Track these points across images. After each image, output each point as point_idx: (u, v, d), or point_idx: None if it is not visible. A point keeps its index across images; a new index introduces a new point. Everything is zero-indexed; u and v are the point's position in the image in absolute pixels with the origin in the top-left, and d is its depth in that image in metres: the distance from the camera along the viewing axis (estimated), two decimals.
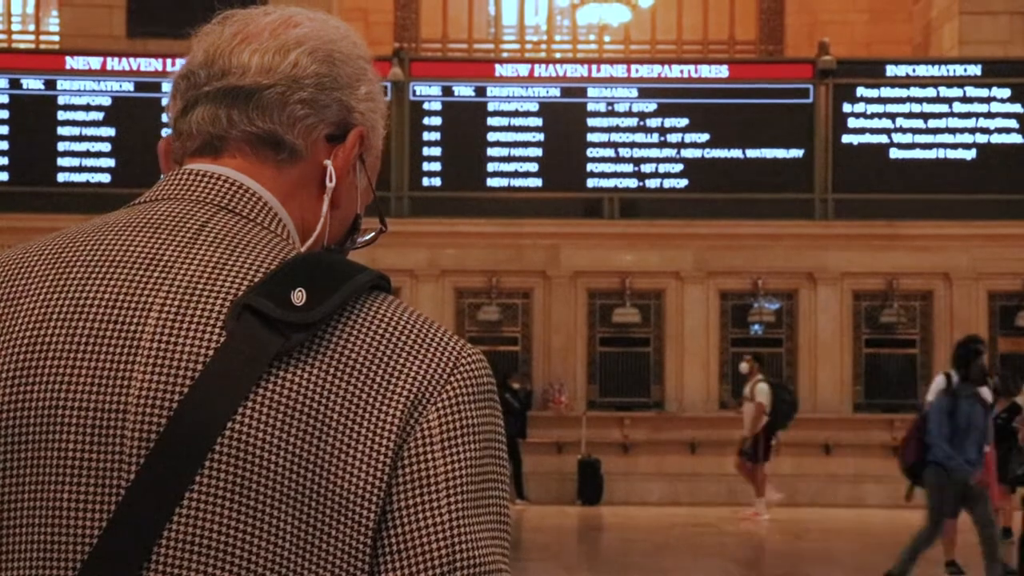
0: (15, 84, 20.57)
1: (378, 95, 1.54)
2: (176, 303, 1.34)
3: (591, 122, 20.74)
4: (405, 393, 1.32)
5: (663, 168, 20.70)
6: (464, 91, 20.82)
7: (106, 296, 1.35)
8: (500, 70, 21.27)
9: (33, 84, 20.58)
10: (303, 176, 1.48)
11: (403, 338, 1.35)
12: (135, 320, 1.33)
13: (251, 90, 1.46)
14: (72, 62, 20.58)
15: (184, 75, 1.50)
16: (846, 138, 20.63)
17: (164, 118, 1.55)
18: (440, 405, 1.33)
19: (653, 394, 20.79)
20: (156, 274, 1.36)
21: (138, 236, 1.39)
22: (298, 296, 1.31)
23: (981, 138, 20.58)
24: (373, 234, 1.60)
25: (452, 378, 1.34)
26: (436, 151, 20.68)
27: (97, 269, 1.37)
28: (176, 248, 1.38)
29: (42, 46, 24.21)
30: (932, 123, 20.62)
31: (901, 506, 19.23)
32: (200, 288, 1.34)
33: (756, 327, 20.88)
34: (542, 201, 20.65)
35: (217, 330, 1.32)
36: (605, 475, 19.64)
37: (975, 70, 20.72)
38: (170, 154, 1.52)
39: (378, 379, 1.32)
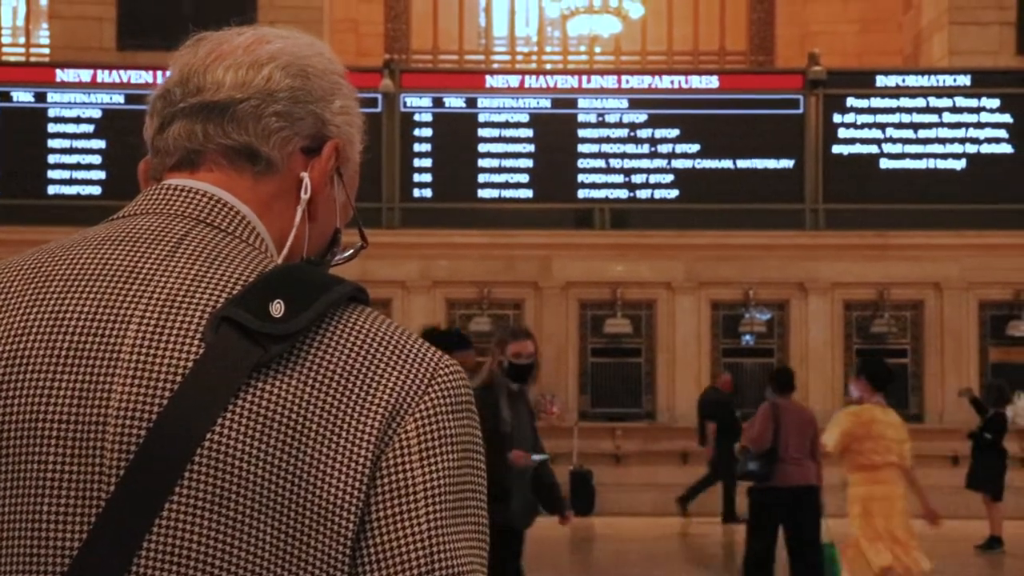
0: (5, 97, 20.55)
1: (353, 110, 1.56)
2: (155, 316, 1.35)
3: (582, 133, 20.76)
4: (383, 404, 1.33)
5: (654, 179, 20.72)
6: (455, 102, 20.84)
7: (85, 310, 1.36)
8: (491, 81, 21.29)
9: (23, 97, 20.57)
10: (280, 189, 1.49)
11: (381, 349, 1.36)
12: (114, 333, 1.34)
13: (226, 104, 1.48)
14: (62, 75, 20.58)
15: (160, 95, 1.52)
16: (836, 148, 20.66)
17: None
18: (418, 416, 1.34)
19: (645, 405, 20.79)
20: (135, 287, 1.37)
21: (116, 250, 1.40)
22: (276, 308, 1.32)
23: (971, 148, 20.62)
24: (352, 251, 1.61)
25: (430, 389, 1.35)
26: (427, 162, 20.68)
27: (76, 283, 1.38)
28: (155, 261, 1.39)
29: (32, 59, 24.19)
30: (922, 133, 20.66)
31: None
32: (179, 301, 1.35)
33: (747, 337, 20.90)
34: (533, 212, 20.65)
35: (196, 342, 1.33)
36: (597, 486, 19.62)
37: (965, 80, 20.77)
38: (148, 173, 1.54)
39: (356, 390, 1.33)
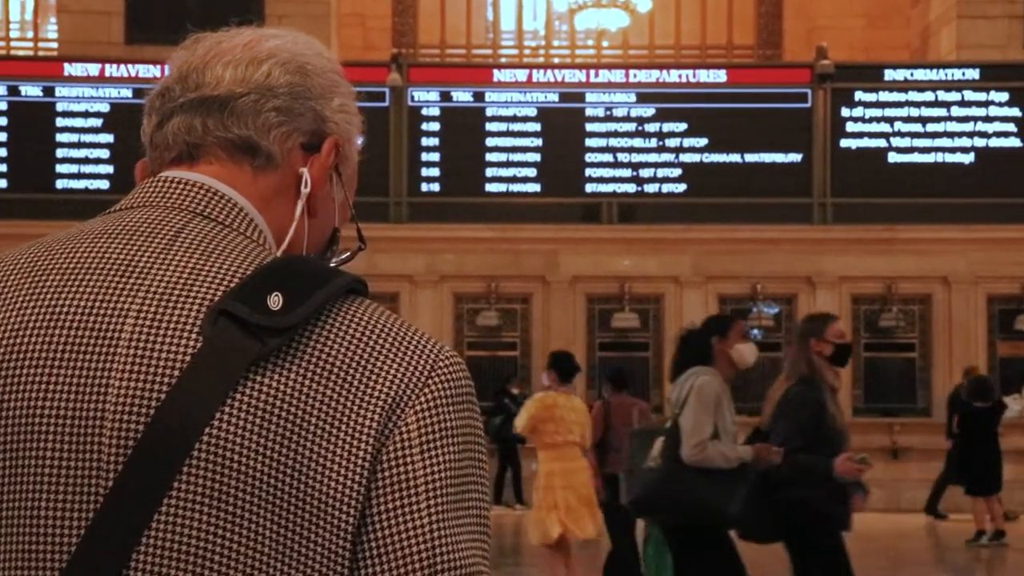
0: (14, 91, 20.57)
1: (352, 109, 1.56)
2: (152, 309, 1.34)
3: (589, 127, 20.74)
4: (383, 396, 1.32)
5: (661, 173, 20.70)
6: (462, 96, 20.83)
7: (82, 303, 1.35)
8: (498, 75, 21.27)
9: (32, 91, 20.59)
10: (280, 184, 1.49)
11: (380, 341, 1.35)
12: (112, 327, 1.34)
13: (225, 98, 1.48)
14: (70, 69, 20.59)
15: (159, 93, 1.53)
16: (844, 142, 20.63)
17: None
18: (418, 408, 1.33)
19: (652, 399, 20.76)
20: (132, 281, 1.36)
21: (113, 243, 1.40)
22: (274, 301, 1.32)
23: (979, 142, 20.58)
24: (350, 252, 1.61)
25: (430, 381, 1.34)
26: (435, 156, 20.68)
27: (73, 277, 1.37)
28: (152, 255, 1.38)
29: (40, 53, 24.22)
30: (930, 127, 20.63)
31: (901, 510, 19.22)
32: (176, 294, 1.34)
33: (755, 332, 20.87)
34: (541, 206, 20.64)
35: (194, 336, 1.32)
36: None
37: (973, 74, 20.73)
38: (146, 173, 1.54)
39: (356, 383, 1.32)
